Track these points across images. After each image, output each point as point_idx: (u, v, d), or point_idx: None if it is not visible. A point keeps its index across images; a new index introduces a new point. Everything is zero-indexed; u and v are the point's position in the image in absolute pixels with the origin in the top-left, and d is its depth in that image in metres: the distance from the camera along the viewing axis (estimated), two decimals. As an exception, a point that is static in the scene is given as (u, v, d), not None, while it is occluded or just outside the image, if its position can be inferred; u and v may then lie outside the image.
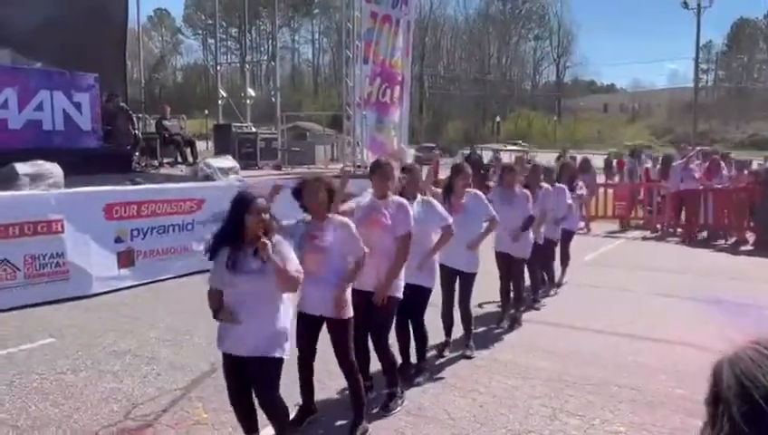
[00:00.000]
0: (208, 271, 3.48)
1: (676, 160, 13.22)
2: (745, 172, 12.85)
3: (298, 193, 3.80)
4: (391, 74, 13.71)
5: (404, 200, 4.29)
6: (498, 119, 62.59)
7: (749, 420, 0.92)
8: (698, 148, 16.38)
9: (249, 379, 3.37)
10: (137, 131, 12.85)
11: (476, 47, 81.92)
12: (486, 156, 25.28)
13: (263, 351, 3.29)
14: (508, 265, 6.30)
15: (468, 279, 5.36)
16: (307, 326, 3.88)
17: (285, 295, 3.40)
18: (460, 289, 5.40)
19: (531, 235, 6.30)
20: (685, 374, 4.85)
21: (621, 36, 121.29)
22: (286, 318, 3.41)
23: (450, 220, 4.69)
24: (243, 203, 3.23)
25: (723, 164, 13.33)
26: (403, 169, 4.67)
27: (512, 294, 6.37)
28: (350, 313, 3.82)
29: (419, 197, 4.69)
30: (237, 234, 3.24)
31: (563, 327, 6.31)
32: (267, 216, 3.25)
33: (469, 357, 5.35)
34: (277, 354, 3.33)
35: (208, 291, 3.40)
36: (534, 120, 76.82)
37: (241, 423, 3.55)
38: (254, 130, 15.76)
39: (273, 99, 17.03)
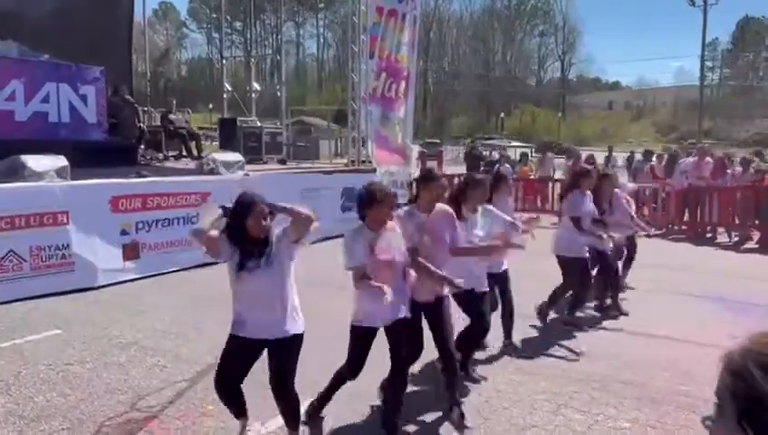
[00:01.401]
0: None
1: (681, 158, 13.19)
2: (751, 170, 12.79)
3: (369, 204, 3.63)
4: (397, 69, 13.69)
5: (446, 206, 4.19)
6: (502, 115, 62.48)
7: None
8: (698, 145, 16.32)
9: (274, 362, 3.43)
10: (142, 124, 12.89)
11: (481, 43, 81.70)
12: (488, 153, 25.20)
13: (285, 332, 3.39)
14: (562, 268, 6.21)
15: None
16: (366, 340, 3.75)
17: (293, 279, 3.44)
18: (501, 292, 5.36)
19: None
20: (689, 371, 4.85)
21: (627, 33, 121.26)
22: (294, 294, 3.46)
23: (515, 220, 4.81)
24: (243, 208, 3.30)
25: (727, 163, 13.31)
26: (467, 184, 4.58)
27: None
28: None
29: (479, 208, 4.62)
30: (241, 236, 3.30)
31: (568, 323, 6.31)
32: (268, 221, 3.30)
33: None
34: (299, 330, 3.45)
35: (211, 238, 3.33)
36: (539, 117, 76.62)
37: (232, 408, 3.60)
38: (258, 124, 15.75)
39: (279, 93, 17.00)
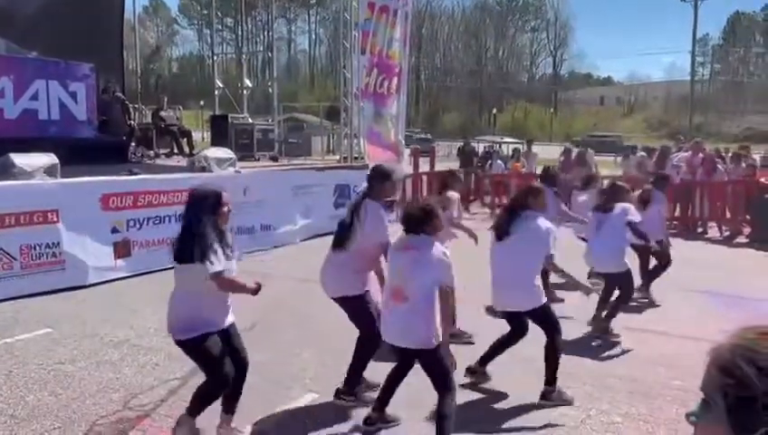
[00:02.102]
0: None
1: (673, 153, 13.23)
2: (743, 165, 12.85)
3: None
4: (389, 65, 13.66)
5: None
6: (495, 111, 62.53)
7: None
8: (694, 139, 16.38)
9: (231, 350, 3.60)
10: (132, 122, 12.81)
11: (473, 39, 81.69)
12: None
13: (230, 320, 3.70)
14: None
15: None
16: None
17: None
18: None
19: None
20: (681, 366, 4.87)
21: (618, 29, 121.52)
22: None
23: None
24: (216, 200, 3.44)
25: (718, 159, 13.36)
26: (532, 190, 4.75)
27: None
28: None
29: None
30: (216, 230, 3.44)
31: (561, 319, 6.31)
32: (231, 205, 3.52)
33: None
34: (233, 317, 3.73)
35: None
36: (531, 113, 76.76)
37: (231, 398, 3.66)
38: (250, 121, 15.67)
39: (270, 90, 16.93)
